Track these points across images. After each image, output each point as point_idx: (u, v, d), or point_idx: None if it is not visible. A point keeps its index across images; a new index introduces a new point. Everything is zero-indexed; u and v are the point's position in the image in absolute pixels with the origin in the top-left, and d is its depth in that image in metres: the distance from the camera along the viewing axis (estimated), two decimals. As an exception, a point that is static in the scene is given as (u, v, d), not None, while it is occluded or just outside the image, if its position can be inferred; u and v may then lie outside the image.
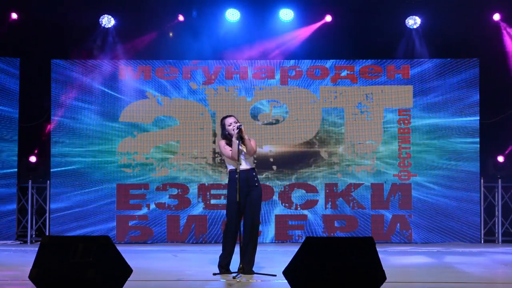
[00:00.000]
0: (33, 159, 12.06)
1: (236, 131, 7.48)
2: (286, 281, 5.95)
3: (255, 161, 7.95)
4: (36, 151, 12.11)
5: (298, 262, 5.87)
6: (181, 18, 11.81)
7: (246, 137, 7.52)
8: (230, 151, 7.52)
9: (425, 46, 11.83)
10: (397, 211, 11.76)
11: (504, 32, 11.69)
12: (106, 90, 11.88)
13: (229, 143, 7.59)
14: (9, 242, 11.62)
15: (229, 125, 7.65)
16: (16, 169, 11.77)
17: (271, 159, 11.83)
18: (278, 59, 11.98)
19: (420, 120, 11.82)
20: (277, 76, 11.95)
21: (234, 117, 7.78)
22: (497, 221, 11.90)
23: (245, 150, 7.54)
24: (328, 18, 11.83)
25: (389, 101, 11.85)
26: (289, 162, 11.85)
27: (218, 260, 7.62)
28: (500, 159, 11.87)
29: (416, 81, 11.86)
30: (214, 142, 11.83)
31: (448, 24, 11.56)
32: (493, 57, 11.65)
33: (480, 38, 11.61)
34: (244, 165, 7.54)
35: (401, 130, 11.83)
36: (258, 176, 7.71)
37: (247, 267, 7.44)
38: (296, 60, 11.98)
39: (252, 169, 7.61)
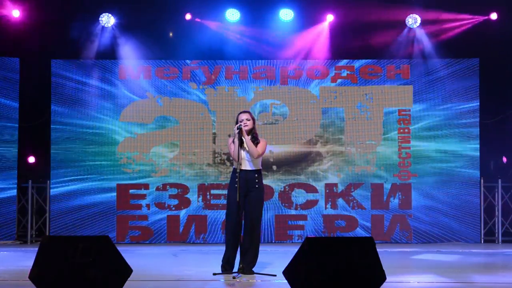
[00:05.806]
0: (32, 159, 12.07)
1: (236, 131, 7.47)
2: (286, 281, 5.95)
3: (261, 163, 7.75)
4: (36, 151, 12.11)
5: (298, 262, 5.87)
6: (182, 17, 11.81)
7: (247, 138, 7.50)
8: (232, 150, 7.52)
9: (425, 46, 11.83)
10: (397, 211, 11.75)
11: None
12: (106, 90, 11.88)
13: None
14: (9, 242, 11.62)
15: (241, 121, 7.58)
16: (16, 169, 11.77)
17: (271, 159, 11.82)
18: (278, 59, 11.97)
19: (420, 120, 11.81)
20: (277, 76, 11.94)
21: (249, 113, 7.66)
22: (497, 221, 11.90)
23: (246, 151, 7.52)
24: (330, 18, 11.82)
25: (389, 101, 11.85)
26: (289, 162, 11.85)
27: (218, 260, 7.63)
28: (504, 159, 11.91)
29: (416, 81, 11.85)
30: (214, 142, 11.83)
31: (446, 24, 11.56)
32: (493, 57, 11.64)
33: (480, 38, 11.61)
34: (245, 166, 7.51)
35: (401, 130, 11.82)
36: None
37: (247, 267, 7.44)
38: (297, 60, 11.97)
39: (253, 171, 7.53)
